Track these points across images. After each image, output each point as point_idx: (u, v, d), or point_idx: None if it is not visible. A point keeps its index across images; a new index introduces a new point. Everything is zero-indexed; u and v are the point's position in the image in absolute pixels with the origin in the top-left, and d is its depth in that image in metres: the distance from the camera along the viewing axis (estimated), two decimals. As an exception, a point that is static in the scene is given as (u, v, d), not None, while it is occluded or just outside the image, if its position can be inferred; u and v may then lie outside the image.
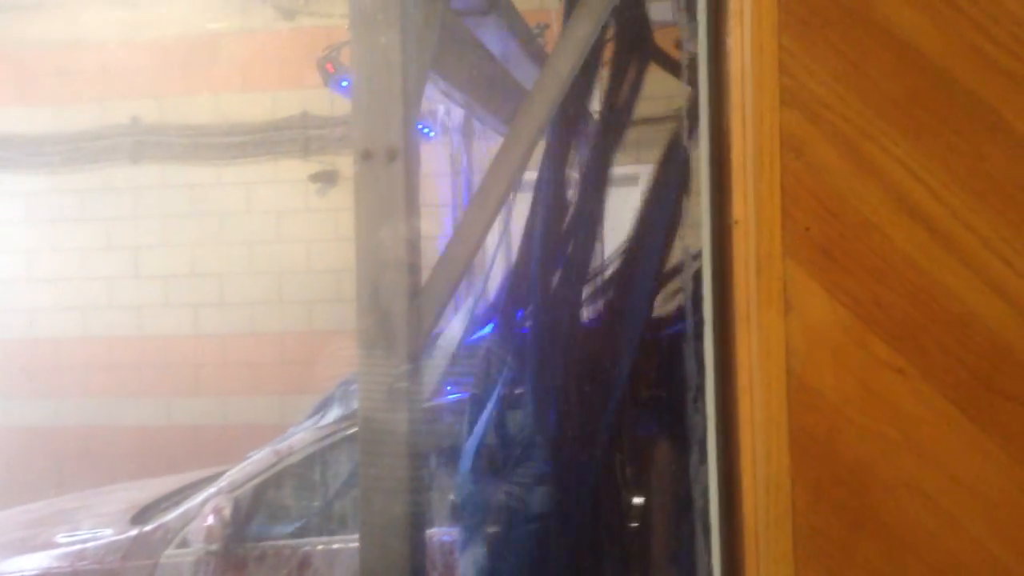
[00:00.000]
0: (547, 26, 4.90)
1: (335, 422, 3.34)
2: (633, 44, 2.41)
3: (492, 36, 3.19)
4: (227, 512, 3.17)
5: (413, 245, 1.93)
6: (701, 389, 1.34)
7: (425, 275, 1.99)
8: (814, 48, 1.04)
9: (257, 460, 3.38)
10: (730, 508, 1.28)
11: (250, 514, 3.26)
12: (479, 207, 2.26)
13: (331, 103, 6.08)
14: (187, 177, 6.51)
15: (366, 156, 1.90)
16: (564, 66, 2.36)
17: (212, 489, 3.36)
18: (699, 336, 1.35)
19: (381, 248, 1.90)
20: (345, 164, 5.99)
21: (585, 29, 2.37)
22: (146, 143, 6.52)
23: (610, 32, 2.37)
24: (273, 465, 3.32)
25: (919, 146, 1.03)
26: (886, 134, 1.04)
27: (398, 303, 1.91)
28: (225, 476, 3.42)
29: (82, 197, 6.61)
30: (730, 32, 1.13)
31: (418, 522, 1.93)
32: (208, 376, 6.46)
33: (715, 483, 1.32)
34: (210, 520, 3.17)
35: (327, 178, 6.35)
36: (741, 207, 1.13)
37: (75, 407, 6.55)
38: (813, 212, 1.06)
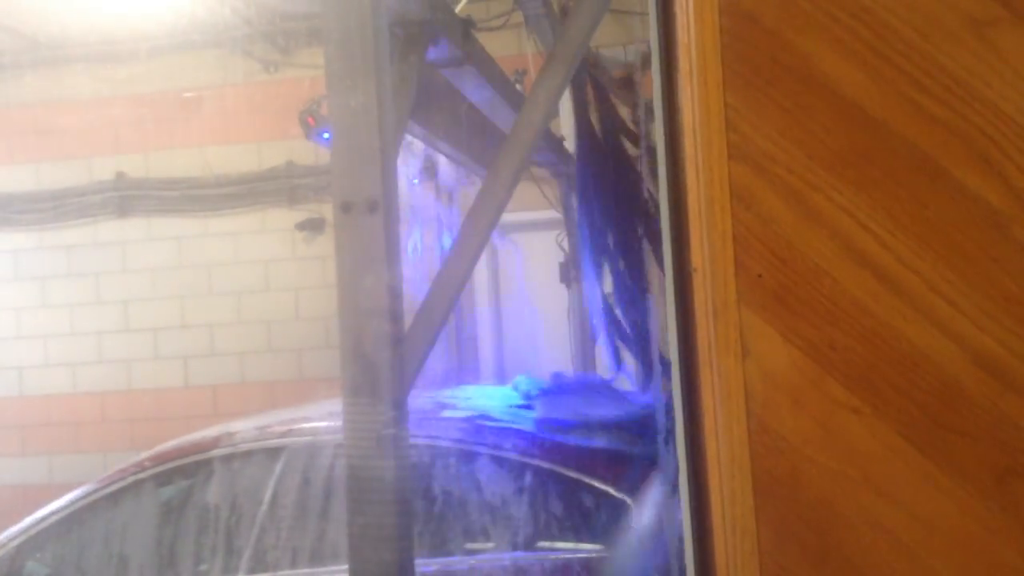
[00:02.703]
0: (525, 72, 4.99)
1: (99, 480, 3.15)
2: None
3: (469, 85, 3.26)
4: None
5: (395, 293, 1.96)
6: (672, 432, 1.37)
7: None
8: (758, 105, 1.10)
9: (27, 519, 3.21)
10: (703, 548, 1.31)
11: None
12: (460, 252, 2.30)
13: (316, 152, 6.15)
14: (174, 230, 6.55)
15: (346, 208, 1.94)
16: (537, 114, 2.43)
17: None
18: (668, 379, 1.39)
19: (363, 298, 1.94)
20: (331, 212, 5.99)
21: (556, 78, 2.44)
22: (132, 197, 6.57)
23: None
24: (33, 525, 3.14)
25: (863, 195, 1.08)
26: (831, 185, 1.09)
27: (381, 351, 1.93)
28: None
29: (69, 253, 6.64)
30: (681, 90, 1.19)
31: (407, 569, 1.94)
32: (199, 427, 6.44)
33: (688, 523, 1.35)
34: None
35: (313, 226, 6.41)
36: (699, 256, 1.18)
37: (67, 463, 6.53)
38: (764, 260, 1.10)
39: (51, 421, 6.58)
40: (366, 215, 1.93)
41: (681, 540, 1.36)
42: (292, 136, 5.77)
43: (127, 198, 6.58)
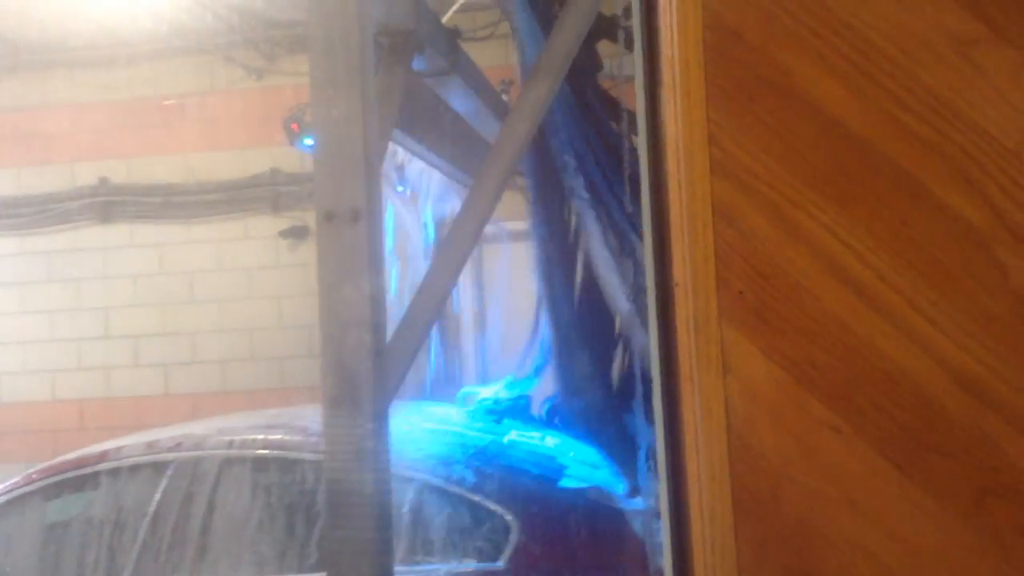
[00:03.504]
0: (511, 82, 5.00)
1: None
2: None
3: (455, 95, 3.26)
4: None
5: (377, 303, 1.95)
6: (653, 448, 1.36)
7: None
8: (741, 121, 1.09)
9: None
10: (682, 566, 1.31)
11: None
12: (443, 263, 2.29)
13: (300, 159, 6.12)
14: (157, 236, 6.51)
15: (329, 217, 1.93)
16: (523, 125, 2.42)
17: None
18: (649, 395, 1.38)
19: (345, 308, 1.92)
20: (315, 220, 5.96)
21: (542, 89, 2.44)
22: (115, 203, 6.53)
23: None
24: None
25: (844, 212, 1.08)
26: (813, 202, 1.09)
27: (362, 362, 1.92)
28: None
29: (50, 258, 6.59)
30: (664, 104, 1.18)
31: (385, 582, 1.92)
32: (179, 436, 6.40)
33: (668, 540, 1.34)
34: None
35: (297, 233, 6.38)
36: (681, 271, 1.17)
37: (44, 471, 6.47)
38: (746, 277, 1.10)
39: (29, 428, 6.51)
40: (349, 224, 1.93)
41: (661, 557, 1.35)
42: (276, 143, 5.74)
43: (109, 204, 6.53)
